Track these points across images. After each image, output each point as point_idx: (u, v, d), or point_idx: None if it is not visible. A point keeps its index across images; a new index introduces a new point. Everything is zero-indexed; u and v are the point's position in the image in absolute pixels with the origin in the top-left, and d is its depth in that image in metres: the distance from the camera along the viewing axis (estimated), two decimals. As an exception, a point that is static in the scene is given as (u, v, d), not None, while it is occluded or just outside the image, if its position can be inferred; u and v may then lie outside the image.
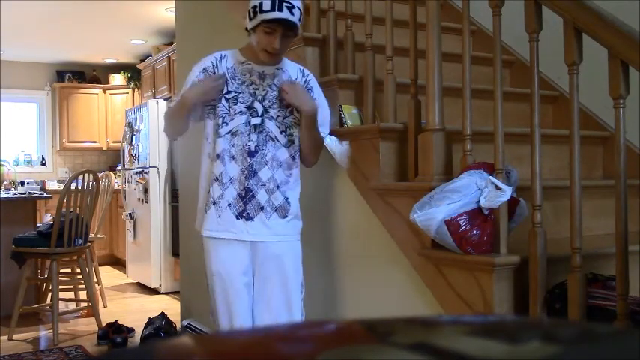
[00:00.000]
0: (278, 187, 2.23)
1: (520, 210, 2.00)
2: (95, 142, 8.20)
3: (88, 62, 8.23)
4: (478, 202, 1.89)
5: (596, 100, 2.67)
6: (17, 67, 8.01)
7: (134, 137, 6.25)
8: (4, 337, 4.09)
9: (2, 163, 7.05)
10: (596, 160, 2.79)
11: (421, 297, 2.21)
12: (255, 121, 2.22)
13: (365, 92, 2.51)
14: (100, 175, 4.76)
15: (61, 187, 5.53)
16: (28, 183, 7.14)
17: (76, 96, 8.16)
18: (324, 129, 2.36)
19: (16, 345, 3.98)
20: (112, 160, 8.33)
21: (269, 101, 2.24)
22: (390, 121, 2.39)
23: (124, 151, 6.54)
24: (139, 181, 6.05)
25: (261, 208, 2.21)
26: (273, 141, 2.23)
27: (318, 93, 2.36)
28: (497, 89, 1.98)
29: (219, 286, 2.23)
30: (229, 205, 2.21)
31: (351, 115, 2.54)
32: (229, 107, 2.22)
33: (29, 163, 8.16)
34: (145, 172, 5.93)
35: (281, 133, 2.25)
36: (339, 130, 2.52)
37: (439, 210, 1.89)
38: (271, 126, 2.23)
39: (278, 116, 2.25)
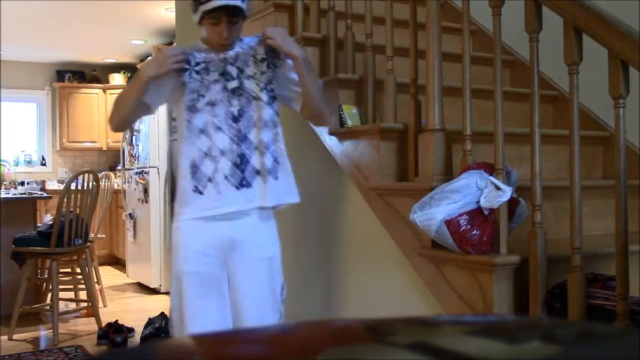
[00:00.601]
0: (267, 147, 2.11)
1: (520, 210, 2.00)
2: (95, 142, 8.20)
3: (88, 62, 8.23)
4: (478, 202, 1.89)
5: (596, 100, 2.67)
6: (17, 67, 8.01)
7: (134, 137, 6.25)
8: (4, 337, 4.09)
9: (2, 163, 7.05)
10: (596, 160, 2.79)
11: (421, 297, 2.21)
12: (233, 84, 2.10)
13: (365, 92, 2.51)
14: (100, 175, 4.76)
15: (61, 187, 5.52)
16: (28, 183, 7.14)
17: (76, 96, 8.16)
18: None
19: (16, 345, 3.98)
20: (112, 160, 8.33)
21: (242, 61, 2.12)
22: (390, 121, 2.39)
23: (123, 151, 6.54)
24: (139, 181, 6.05)
25: (257, 172, 2.10)
26: (257, 100, 2.12)
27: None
28: (497, 89, 1.98)
29: (188, 283, 2.09)
30: (226, 177, 2.08)
31: (351, 115, 2.54)
32: (202, 79, 2.10)
33: (29, 163, 8.16)
34: (145, 172, 5.93)
35: (262, 90, 2.12)
36: (339, 130, 2.52)
37: (439, 210, 1.89)
38: (251, 85, 2.12)
39: (255, 73, 2.13)
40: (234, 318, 2.13)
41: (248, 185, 2.09)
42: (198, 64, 2.11)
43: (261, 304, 2.14)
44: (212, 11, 2.00)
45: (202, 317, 2.09)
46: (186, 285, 2.09)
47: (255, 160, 2.10)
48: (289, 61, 2.16)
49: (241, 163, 2.09)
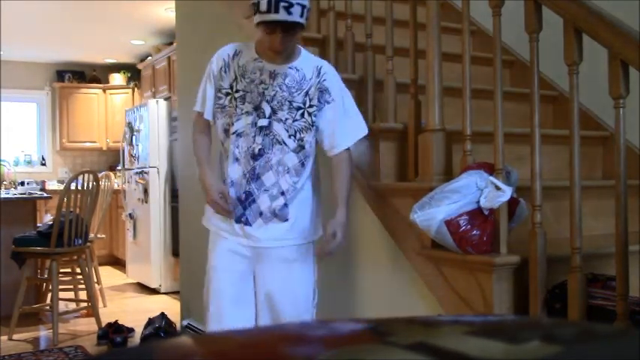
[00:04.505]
0: (283, 193, 2.10)
1: (520, 210, 2.00)
2: (95, 142, 8.20)
3: (88, 62, 8.23)
4: (478, 202, 1.89)
5: (596, 100, 2.67)
6: (17, 67, 8.01)
7: (134, 137, 6.25)
8: (4, 337, 4.08)
9: (2, 163, 7.05)
10: (596, 160, 2.79)
11: (421, 297, 2.21)
12: (262, 122, 2.08)
13: (365, 92, 2.51)
14: (100, 175, 4.76)
15: (61, 187, 5.53)
16: (28, 183, 7.14)
17: (76, 96, 8.16)
18: (358, 129, 2.20)
19: (16, 345, 3.97)
20: (112, 160, 8.33)
21: (278, 102, 2.09)
22: (390, 121, 2.39)
23: (123, 151, 6.54)
24: (139, 181, 6.05)
25: (260, 214, 2.10)
26: (281, 145, 2.08)
27: (336, 93, 2.14)
28: (497, 89, 1.98)
29: (214, 279, 2.16)
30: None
31: (351, 115, 2.54)
32: (236, 107, 2.11)
33: (29, 163, 8.16)
34: (145, 172, 5.93)
35: (290, 137, 2.09)
36: (339, 130, 2.52)
37: (439, 210, 1.89)
38: (279, 129, 2.08)
39: (287, 119, 2.09)
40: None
41: (247, 223, 2.12)
42: (238, 91, 2.13)
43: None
44: (269, 23, 1.97)
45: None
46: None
47: (262, 202, 2.10)
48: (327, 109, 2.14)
49: (245, 200, 2.11)
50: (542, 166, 1.91)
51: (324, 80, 2.13)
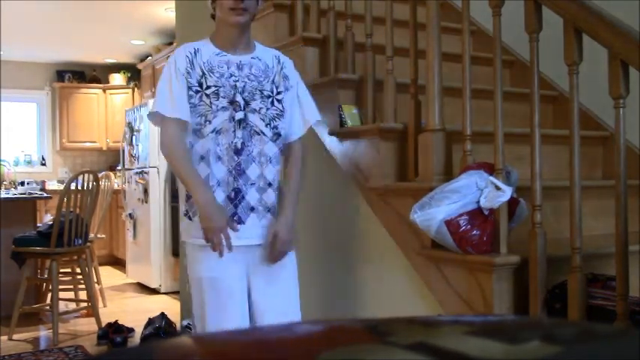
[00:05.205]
0: (270, 184, 2.09)
1: (520, 210, 2.00)
2: (95, 142, 8.21)
3: (88, 62, 8.23)
4: (478, 202, 1.89)
5: (596, 100, 2.67)
6: (17, 67, 8.01)
7: (134, 137, 6.25)
8: (4, 337, 4.09)
9: (2, 163, 7.05)
10: (596, 160, 2.79)
11: (421, 297, 2.21)
12: (239, 115, 2.04)
13: (365, 92, 2.51)
14: (100, 175, 4.76)
15: (61, 187, 5.52)
16: (28, 183, 7.14)
17: (76, 96, 8.16)
18: (310, 115, 2.22)
19: (16, 345, 3.98)
20: (112, 160, 8.33)
21: (249, 93, 2.07)
22: (390, 121, 2.39)
23: (123, 151, 6.54)
24: (139, 181, 6.05)
25: (252, 209, 2.06)
26: (259, 135, 2.07)
27: (294, 80, 2.19)
28: (497, 89, 1.98)
29: (211, 292, 2.04)
30: None
31: (351, 115, 2.54)
32: (211, 103, 2.03)
33: (29, 163, 8.16)
34: (145, 172, 5.93)
35: (266, 126, 2.08)
36: (339, 130, 2.52)
37: (439, 210, 1.89)
38: (255, 119, 2.06)
39: (261, 108, 2.08)
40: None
41: (240, 222, 2.05)
42: (209, 87, 2.05)
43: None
44: None
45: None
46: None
47: (251, 197, 2.06)
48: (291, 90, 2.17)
49: (235, 197, 2.05)
50: (542, 166, 1.91)
51: (284, 68, 2.19)
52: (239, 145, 2.04)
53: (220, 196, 2.04)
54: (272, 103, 2.12)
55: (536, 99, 1.91)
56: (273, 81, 2.14)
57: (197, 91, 2.05)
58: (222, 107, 2.04)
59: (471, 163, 2.03)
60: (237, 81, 2.07)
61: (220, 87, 2.05)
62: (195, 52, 2.09)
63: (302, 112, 2.21)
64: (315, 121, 2.25)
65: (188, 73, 2.05)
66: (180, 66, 2.06)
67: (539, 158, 1.89)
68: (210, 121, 2.04)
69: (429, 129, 2.17)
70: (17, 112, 8.22)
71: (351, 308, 2.60)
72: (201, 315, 2.07)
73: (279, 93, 2.14)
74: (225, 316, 2.04)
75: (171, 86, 2.06)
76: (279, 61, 2.19)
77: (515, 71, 3.19)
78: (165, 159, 2.17)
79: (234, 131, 2.04)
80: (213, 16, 2.17)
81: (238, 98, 2.06)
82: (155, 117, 2.10)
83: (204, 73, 2.06)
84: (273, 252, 2.08)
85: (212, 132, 2.04)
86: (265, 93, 2.11)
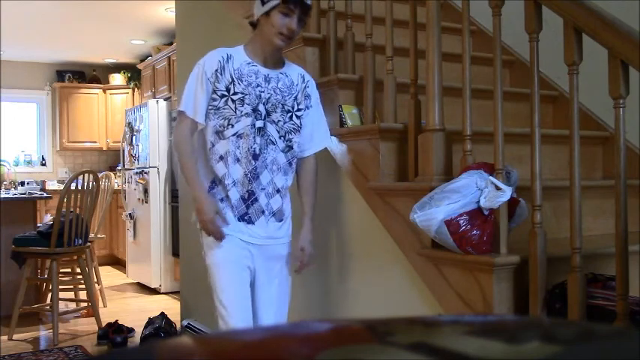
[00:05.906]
0: (278, 191, 2.25)
1: (520, 210, 2.00)
2: (95, 142, 8.21)
3: (88, 62, 8.23)
4: (478, 202, 1.89)
5: (596, 100, 2.67)
6: (17, 67, 8.01)
7: (134, 137, 6.25)
8: (4, 337, 4.09)
9: (2, 163, 7.05)
10: (596, 160, 2.79)
11: (421, 297, 2.21)
12: (259, 123, 2.21)
13: (365, 92, 2.51)
14: (100, 175, 4.76)
15: (61, 187, 5.53)
16: (28, 183, 7.14)
17: (76, 96, 8.16)
18: (323, 140, 2.40)
19: (16, 345, 3.98)
20: (112, 160, 8.33)
21: (272, 105, 2.23)
22: (390, 121, 2.39)
23: (124, 151, 6.54)
24: (139, 181, 6.05)
25: (262, 212, 2.23)
26: (273, 144, 2.23)
27: (315, 101, 2.36)
28: (497, 89, 1.98)
29: (227, 271, 2.20)
30: (232, 207, 2.21)
31: (351, 115, 2.54)
32: (235, 109, 2.19)
33: (29, 163, 8.16)
34: (145, 172, 5.93)
35: (280, 137, 2.24)
36: (339, 130, 2.52)
37: (439, 210, 1.89)
38: (272, 130, 2.23)
39: (279, 120, 2.24)
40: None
41: (249, 222, 2.22)
42: (236, 93, 2.19)
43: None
44: (290, 1, 2.12)
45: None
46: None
47: (262, 201, 2.23)
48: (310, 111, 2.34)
49: (248, 199, 2.22)
50: (542, 166, 1.91)
51: (308, 87, 2.34)
52: (257, 151, 2.21)
53: (235, 195, 2.21)
54: (290, 117, 2.28)
55: (536, 99, 1.91)
56: (295, 97, 2.29)
57: (223, 96, 2.20)
58: (246, 113, 2.20)
59: (470, 163, 2.03)
60: (263, 92, 2.23)
61: (246, 95, 2.20)
62: (227, 58, 2.23)
63: (322, 131, 2.39)
64: (327, 145, 2.44)
65: (216, 77, 2.20)
66: (207, 70, 2.21)
67: (539, 158, 1.89)
68: (232, 125, 2.19)
69: (429, 129, 2.17)
70: (17, 112, 8.22)
71: (351, 308, 2.60)
72: (218, 297, 2.21)
73: (299, 110, 2.29)
74: (233, 278, 2.21)
75: (196, 89, 2.23)
76: (303, 80, 2.34)
77: (515, 71, 3.19)
78: (174, 149, 2.41)
79: (254, 137, 2.20)
80: (252, 24, 2.27)
81: (261, 108, 2.22)
82: (180, 114, 2.29)
83: (233, 80, 2.21)
84: (302, 265, 2.32)
85: (233, 135, 2.20)
86: (286, 108, 2.26)
